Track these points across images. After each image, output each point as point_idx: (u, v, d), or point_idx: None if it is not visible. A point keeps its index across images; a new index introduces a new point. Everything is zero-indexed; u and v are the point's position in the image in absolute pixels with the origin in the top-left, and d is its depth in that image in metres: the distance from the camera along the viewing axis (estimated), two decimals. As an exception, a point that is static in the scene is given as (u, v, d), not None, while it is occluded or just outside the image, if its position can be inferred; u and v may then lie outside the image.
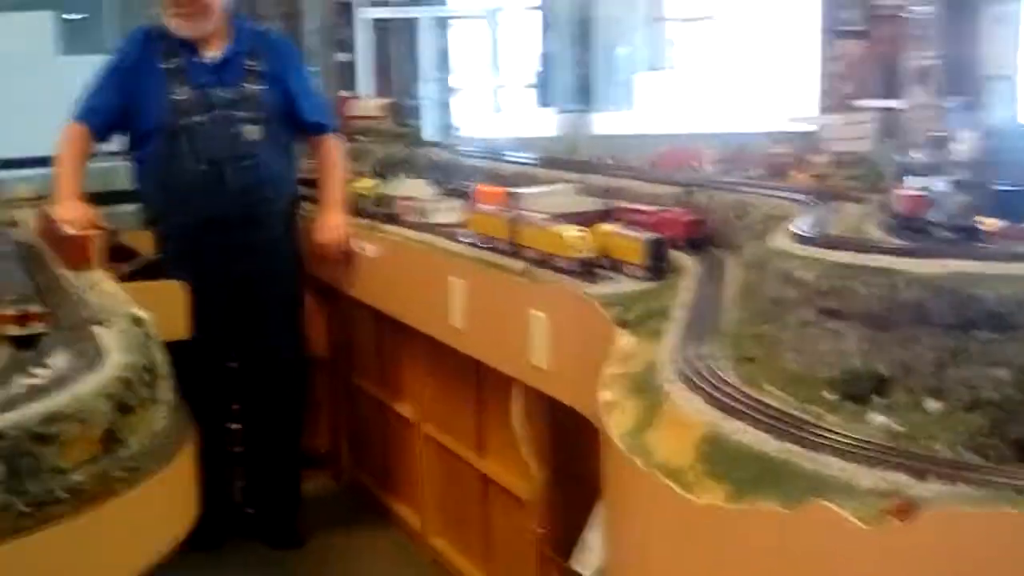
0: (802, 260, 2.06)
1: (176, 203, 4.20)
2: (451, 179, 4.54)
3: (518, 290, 3.09)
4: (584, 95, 9.49)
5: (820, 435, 1.61)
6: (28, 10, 9.77)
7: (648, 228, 3.00)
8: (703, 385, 1.81)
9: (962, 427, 1.68)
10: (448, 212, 4.00)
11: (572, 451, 3.22)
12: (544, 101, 9.61)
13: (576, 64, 9.31)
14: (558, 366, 2.90)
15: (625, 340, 2.30)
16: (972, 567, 1.38)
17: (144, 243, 4.28)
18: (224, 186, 4.16)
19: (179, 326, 3.59)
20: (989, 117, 6.73)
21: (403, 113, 6.25)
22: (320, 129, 4.44)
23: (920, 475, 1.48)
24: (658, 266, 2.84)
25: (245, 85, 4.21)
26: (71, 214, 3.74)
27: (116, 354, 2.25)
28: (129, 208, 4.61)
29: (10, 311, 2.37)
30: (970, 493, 1.44)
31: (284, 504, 4.55)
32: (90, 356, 2.22)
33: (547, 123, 9.07)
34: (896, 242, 2.17)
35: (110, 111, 4.23)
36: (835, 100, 7.58)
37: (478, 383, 3.75)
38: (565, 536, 3.13)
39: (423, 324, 3.85)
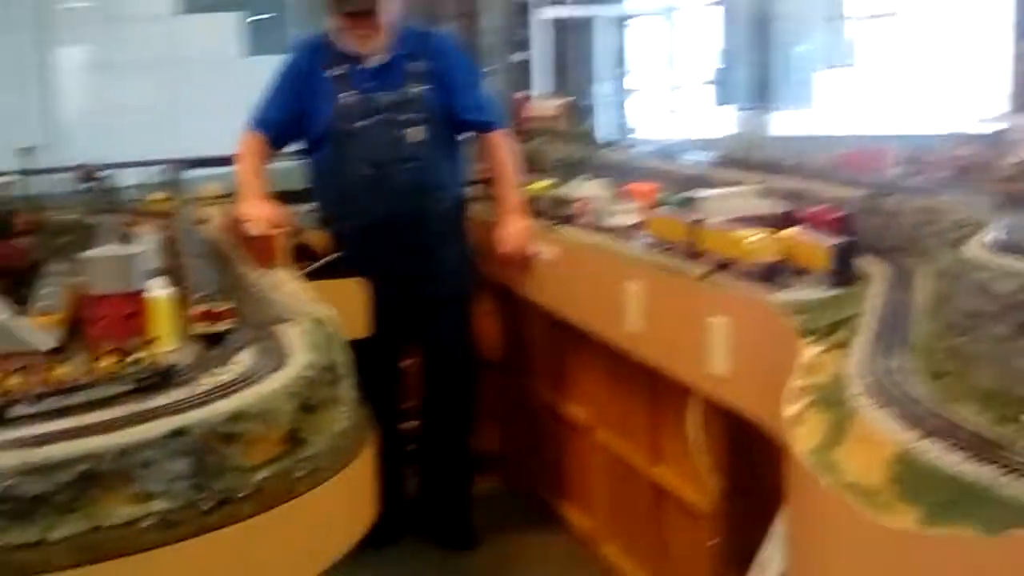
0: (999, 271, 1.97)
1: (345, 206, 4.28)
2: (628, 180, 4.49)
3: (697, 295, 3.03)
4: (762, 93, 9.31)
5: (1021, 459, 1.53)
6: (216, 11, 10.11)
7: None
8: (893, 401, 1.74)
9: None
10: (625, 214, 3.96)
11: (750, 462, 3.15)
12: (723, 99, 9.47)
13: (754, 62, 9.15)
14: (738, 375, 2.84)
15: (811, 351, 2.23)
16: None
17: (323, 242, 4.36)
18: (390, 188, 4.21)
19: (359, 324, 3.65)
20: None
21: (579, 113, 6.23)
22: (485, 127, 4.43)
23: None
24: (844, 272, 2.74)
25: (407, 88, 4.25)
26: (257, 213, 3.85)
27: (300, 353, 2.29)
28: (308, 208, 4.70)
29: (199, 309, 2.44)
30: None
31: (457, 504, 4.57)
32: (275, 355, 2.27)
33: (725, 122, 8.94)
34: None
35: (283, 122, 4.33)
36: (1028, 99, 7.26)
37: (653, 389, 3.70)
38: (740, 550, 3.05)
39: (598, 328, 3.81)
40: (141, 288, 2.40)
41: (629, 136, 8.24)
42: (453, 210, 4.40)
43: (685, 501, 3.52)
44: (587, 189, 4.31)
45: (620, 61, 9.95)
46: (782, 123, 8.79)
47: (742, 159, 4.35)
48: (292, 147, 4.48)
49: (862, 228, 2.97)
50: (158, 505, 1.80)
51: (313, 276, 3.62)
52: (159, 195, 4.44)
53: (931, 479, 1.50)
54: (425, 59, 4.29)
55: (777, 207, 3.32)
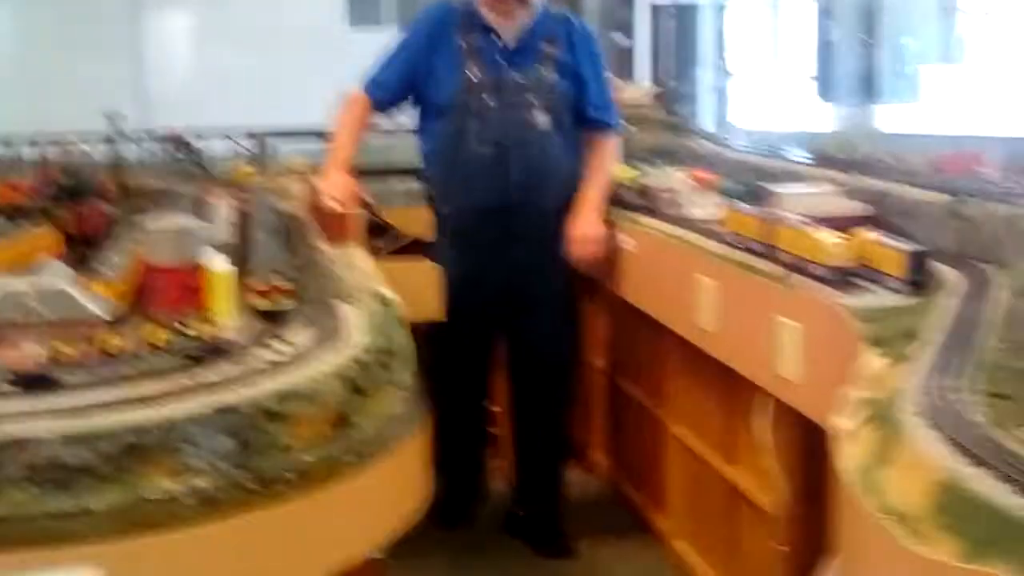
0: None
1: (458, 184, 4.17)
2: (716, 172, 4.42)
3: (769, 295, 2.96)
4: (867, 87, 9.13)
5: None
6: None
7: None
8: (946, 424, 1.67)
9: None
10: (707, 207, 3.90)
11: (822, 467, 3.07)
12: (825, 93, 9.30)
13: (860, 55, 8.97)
14: (807, 379, 2.77)
15: (876, 363, 2.16)
16: None
17: (407, 221, 4.34)
18: (507, 171, 4.10)
19: (430, 307, 3.64)
20: None
21: (673, 101, 6.15)
22: (602, 127, 4.31)
23: None
24: (920, 280, 2.66)
25: (539, 70, 4.14)
26: (334, 189, 3.80)
27: (357, 334, 2.27)
28: (400, 186, 4.67)
29: (260, 285, 2.44)
30: None
31: (550, 505, 4.44)
32: (332, 335, 2.25)
33: (825, 117, 8.78)
34: None
35: (393, 87, 4.23)
36: None
37: (727, 388, 3.61)
38: (810, 556, 2.97)
39: (673, 322, 3.76)
40: (199, 261, 2.41)
41: (725, 126, 8.14)
42: (566, 203, 4.22)
43: (757, 503, 3.45)
44: (672, 179, 4.25)
45: (721, 50, 9.84)
46: (885, 118, 8.61)
47: (834, 157, 4.25)
48: (408, 117, 4.40)
49: (942, 233, 2.88)
50: (200, 481, 1.80)
51: (389, 255, 3.62)
52: (244, 166, 4.46)
53: (974, 509, 1.43)
54: (562, 45, 4.18)
55: (858, 209, 3.24)
